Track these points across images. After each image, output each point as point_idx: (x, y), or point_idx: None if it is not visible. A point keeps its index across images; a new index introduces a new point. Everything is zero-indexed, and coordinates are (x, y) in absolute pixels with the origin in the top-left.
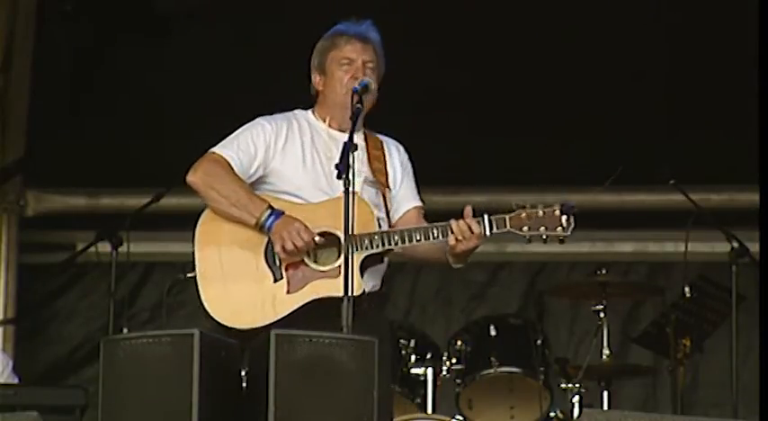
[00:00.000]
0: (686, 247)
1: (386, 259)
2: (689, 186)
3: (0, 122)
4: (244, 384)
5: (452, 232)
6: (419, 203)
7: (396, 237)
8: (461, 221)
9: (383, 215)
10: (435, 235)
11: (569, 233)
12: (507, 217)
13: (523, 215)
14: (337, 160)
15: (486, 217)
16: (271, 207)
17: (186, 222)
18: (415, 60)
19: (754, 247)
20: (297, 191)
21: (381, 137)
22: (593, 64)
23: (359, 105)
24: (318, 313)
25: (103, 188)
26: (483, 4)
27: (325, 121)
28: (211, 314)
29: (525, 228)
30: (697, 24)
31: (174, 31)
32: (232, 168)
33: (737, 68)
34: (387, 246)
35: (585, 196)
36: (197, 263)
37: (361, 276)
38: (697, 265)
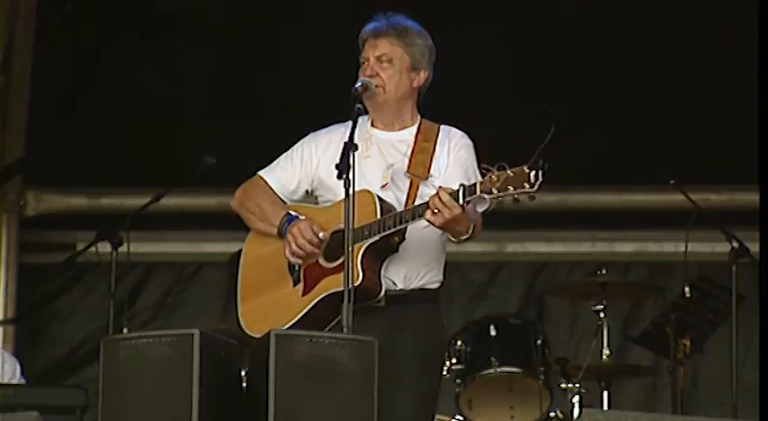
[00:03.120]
0: (686, 247)
1: (400, 246)
2: (689, 186)
3: (0, 122)
4: (244, 384)
5: (429, 207)
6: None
7: (389, 222)
8: (434, 195)
9: (403, 203)
10: (420, 212)
11: (537, 189)
12: (478, 183)
13: (493, 178)
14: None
15: (460, 187)
16: (288, 213)
17: (186, 222)
18: None
19: (754, 247)
20: (335, 197)
21: (443, 126)
22: (595, 64)
23: (359, 106)
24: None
25: (103, 188)
26: (484, 3)
27: (373, 124)
28: (244, 328)
29: (495, 191)
30: (698, 25)
31: (174, 30)
32: (269, 187)
33: (738, 69)
34: (383, 232)
35: (585, 196)
36: (238, 283)
37: (379, 268)
38: (697, 265)
